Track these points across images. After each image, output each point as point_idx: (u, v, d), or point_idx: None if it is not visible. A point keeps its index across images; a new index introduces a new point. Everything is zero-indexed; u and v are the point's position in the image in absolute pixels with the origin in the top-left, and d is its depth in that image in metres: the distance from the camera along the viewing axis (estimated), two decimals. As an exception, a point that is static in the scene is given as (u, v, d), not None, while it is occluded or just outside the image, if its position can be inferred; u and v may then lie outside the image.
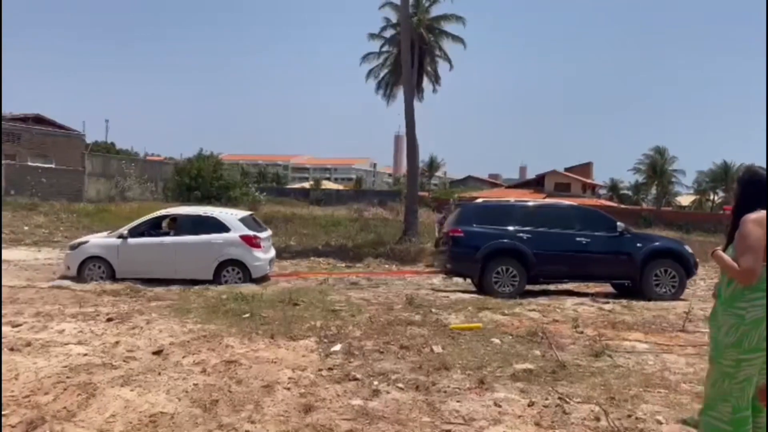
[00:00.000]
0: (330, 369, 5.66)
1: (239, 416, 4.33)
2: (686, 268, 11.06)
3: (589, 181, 58.45)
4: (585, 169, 60.41)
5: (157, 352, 6.11)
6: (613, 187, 73.67)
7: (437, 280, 13.35)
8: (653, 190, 67.08)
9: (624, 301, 10.07)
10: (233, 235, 11.86)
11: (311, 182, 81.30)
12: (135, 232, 12.08)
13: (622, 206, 51.75)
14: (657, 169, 60.38)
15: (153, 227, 12.48)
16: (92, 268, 11.76)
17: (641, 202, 69.40)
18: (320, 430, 4.03)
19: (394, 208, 37.99)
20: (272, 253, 13.07)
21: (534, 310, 8.90)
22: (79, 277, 11.65)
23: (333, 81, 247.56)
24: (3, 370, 4.95)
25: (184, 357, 5.95)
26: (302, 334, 7.05)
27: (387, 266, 16.28)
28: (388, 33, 33.26)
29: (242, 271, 11.81)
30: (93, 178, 37.21)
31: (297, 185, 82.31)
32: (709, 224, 39.19)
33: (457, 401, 4.63)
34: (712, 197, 64.50)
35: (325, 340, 6.76)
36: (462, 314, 8.40)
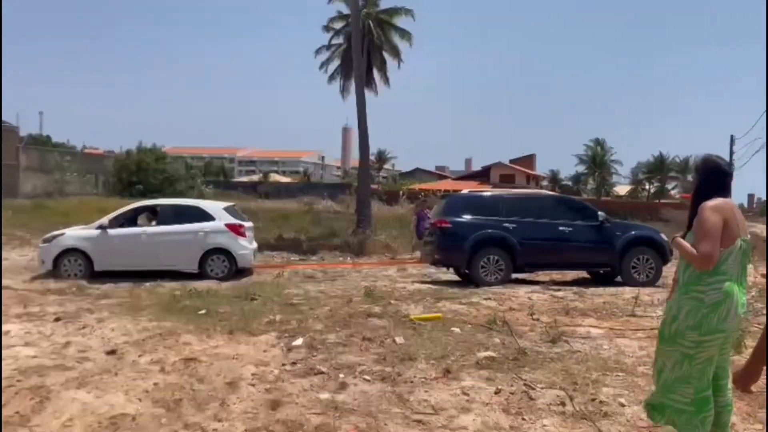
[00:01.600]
0: (294, 363, 5.59)
1: (205, 415, 4.22)
2: (662, 254, 11.45)
3: (532, 172, 59.79)
4: (528, 160, 61.77)
5: (111, 352, 5.91)
6: (554, 178, 75.67)
7: (392, 271, 13.40)
8: (591, 181, 69.29)
9: (575, 289, 10.38)
10: (218, 224, 11.68)
11: (259, 175, 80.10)
12: (115, 223, 11.71)
13: (563, 197, 53.20)
14: (597, 160, 62.32)
15: (133, 218, 12.16)
16: (69, 261, 11.29)
17: (581, 192, 71.59)
18: (291, 425, 3.97)
19: (345, 200, 37.82)
20: (254, 243, 12.94)
21: (489, 299, 9.06)
22: (56, 271, 11.19)
23: (279, 73, 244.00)
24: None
25: (140, 356, 5.77)
26: (261, 329, 6.95)
27: (342, 259, 16.25)
28: (338, 25, 33.03)
29: (228, 260, 11.63)
30: (28, 173, 35.54)
31: (244, 178, 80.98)
32: (645, 213, 40.72)
33: (425, 391, 4.66)
34: (647, 187, 67.07)
35: (286, 335, 6.68)
36: (421, 305, 8.46)
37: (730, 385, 3.20)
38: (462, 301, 8.80)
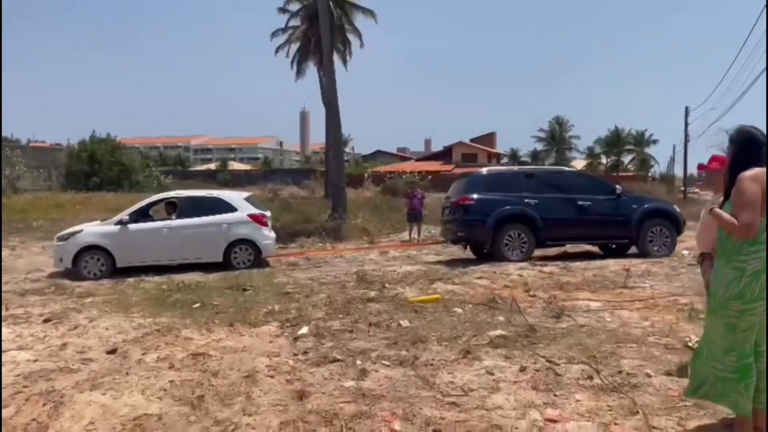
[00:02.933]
0: (305, 353, 5.52)
1: (232, 410, 4.12)
2: (676, 226, 11.78)
3: (493, 150, 60.43)
4: (489, 139, 62.39)
5: (112, 351, 5.73)
6: (513, 156, 76.64)
7: (374, 255, 13.37)
8: (550, 157, 70.46)
9: (560, 264, 10.54)
10: (242, 215, 11.67)
11: (217, 163, 78.61)
12: (134, 218, 11.50)
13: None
14: (556, 137, 63.34)
15: (148, 212, 11.99)
16: (90, 259, 11.05)
17: (540, 169, 72.62)
18: (325, 415, 3.90)
19: (310, 186, 37.61)
20: (272, 232, 12.88)
21: (482, 277, 9.12)
22: (75, 269, 10.95)
23: (231, 58, 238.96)
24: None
25: (144, 354, 5.61)
26: (261, 319, 6.84)
27: (321, 245, 16.11)
28: (295, 6, 32.50)
29: (253, 250, 11.61)
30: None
31: (201, 167, 79.36)
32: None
33: (449, 373, 4.65)
34: (604, 161, 68.50)
35: (288, 324, 6.60)
36: (416, 287, 8.46)
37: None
38: (455, 281, 8.84)
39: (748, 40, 33.20)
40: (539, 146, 69.34)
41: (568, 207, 11.54)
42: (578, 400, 3.94)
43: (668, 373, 4.37)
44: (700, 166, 4.51)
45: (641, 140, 66.62)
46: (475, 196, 11.47)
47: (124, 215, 11.50)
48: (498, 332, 5.77)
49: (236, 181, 54.37)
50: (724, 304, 3.20)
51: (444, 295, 7.79)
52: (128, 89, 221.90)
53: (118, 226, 11.29)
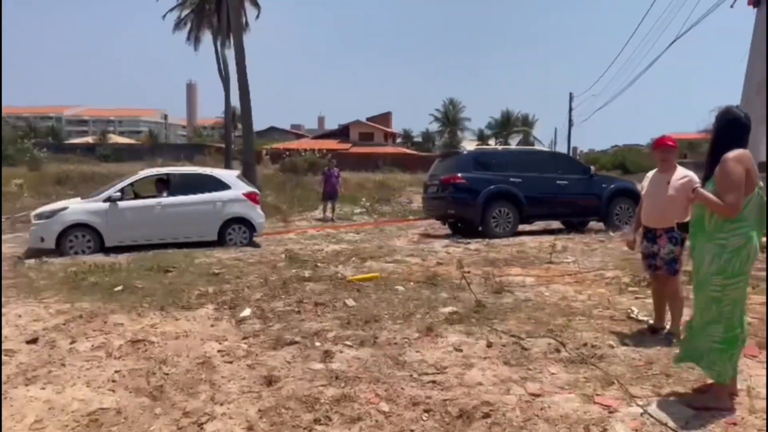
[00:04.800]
0: (255, 335, 5.27)
1: (200, 399, 3.84)
2: (637, 203, 12.33)
3: (389, 130, 60.91)
4: (385, 118, 62.75)
5: (33, 341, 5.15)
6: (407, 136, 77.86)
7: (293, 234, 13.05)
8: (439, 138, 72.38)
9: (483, 241, 10.82)
10: (236, 193, 11.38)
11: (97, 136, 73.29)
12: (123, 195, 10.89)
13: (423, 154, 54.90)
14: (450, 118, 65.02)
15: (138, 189, 11.53)
16: (76, 237, 10.37)
17: (431, 149, 74.44)
18: (306, 400, 3.73)
19: (205, 162, 35.98)
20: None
21: (412, 255, 9.17)
22: (59, 249, 10.24)
23: (109, 23, 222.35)
24: None
25: (73, 343, 5.10)
26: (195, 302, 6.45)
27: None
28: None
29: (248, 229, 11.34)
30: None
31: (78, 140, 73.66)
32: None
33: (416, 351, 4.61)
34: (493, 143, 71.30)
35: (225, 307, 6.27)
36: (350, 266, 8.34)
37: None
38: (387, 259, 8.82)
39: (635, 33, 35.56)
40: (433, 126, 70.93)
41: (548, 185, 12.19)
42: (553, 374, 4.04)
43: (625, 344, 4.60)
44: (657, 144, 4.73)
45: (527, 122, 70.02)
46: (465, 174, 11.82)
47: (112, 191, 10.81)
48: (449, 309, 5.81)
49: (118, 155, 50.79)
50: (707, 279, 3.38)
51: (381, 273, 7.74)
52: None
53: (107, 203, 10.64)
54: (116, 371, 4.35)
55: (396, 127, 69.14)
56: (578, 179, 12.50)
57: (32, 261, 9.13)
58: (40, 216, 10.66)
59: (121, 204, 10.74)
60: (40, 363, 4.53)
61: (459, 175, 11.91)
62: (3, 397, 3.87)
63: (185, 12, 34.17)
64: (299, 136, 68.16)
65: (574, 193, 12.39)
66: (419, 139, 78.07)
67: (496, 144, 70.50)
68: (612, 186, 12.74)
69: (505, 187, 11.87)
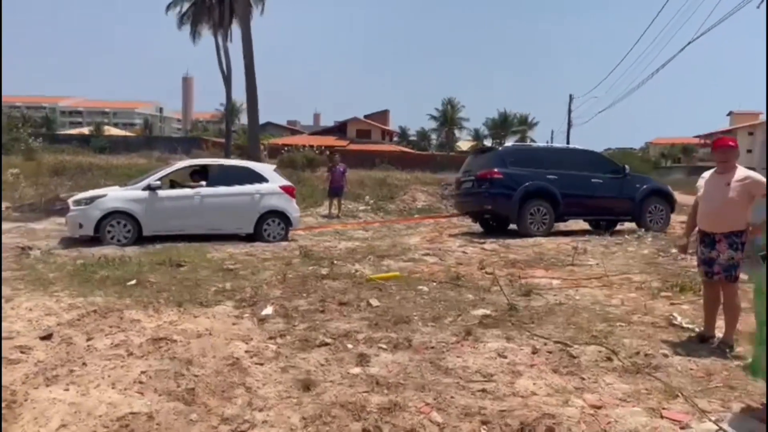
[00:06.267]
0: (282, 335, 5.03)
1: (236, 405, 3.59)
2: (671, 204, 12.56)
3: (387, 128, 60.72)
4: (382, 116, 62.56)
5: (47, 337, 4.88)
6: (403, 134, 77.68)
7: (300, 231, 12.78)
8: (434, 137, 72.23)
9: (496, 240, 10.61)
10: (273, 186, 11.28)
11: (89, 127, 72.51)
12: (163, 184, 10.86)
13: (421, 153, 54.75)
14: (448, 117, 64.89)
15: (177, 179, 11.46)
16: (114, 225, 10.20)
17: (428, 148, 74.29)
18: (351, 408, 3.48)
19: (203, 156, 35.62)
20: None
21: (429, 254, 8.95)
22: (98, 236, 10.09)
23: (106, 15, 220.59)
24: None
25: (90, 340, 4.83)
26: (212, 299, 6.22)
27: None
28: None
29: (284, 222, 11.18)
30: None
31: (73, 131, 72.90)
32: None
33: (457, 357, 4.38)
34: (492, 143, 71.22)
35: (244, 304, 6.03)
36: (366, 264, 8.10)
37: None
38: (403, 258, 8.60)
39: (641, 40, 35.57)
40: (430, 125, 70.82)
41: (583, 184, 11.97)
42: (609, 384, 3.82)
43: (677, 353, 4.38)
44: (716, 144, 4.52)
45: (525, 123, 69.94)
46: (502, 170, 11.59)
47: (152, 180, 10.71)
48: (481, 311, 5.58)
49: (113, 147, 50.21)
50: None
51: (400, 272, 7.50)
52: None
53: (146, 192, 10.50)
54: (142, 372, 4.09)
55: (393, 125, 68.98)
56: (612, 178, 12.31)
57: (38, 252, 8.83)
58: (78, 202, 10.51)
59: (161, 193, 10.60)
60: (59, 361, 4.26)
61: (496, 170, 11.66)
62: (24, 398, 3.61)
63: (185, 6, 33.75)
64: (295, 132, 67.84)
65: (608, 192, 12.19)
66: (414, 138, 77.87)
67: (493, 144, 70.49)
68: (646, 186, 12.56)
69: (542, 184, 11.62)
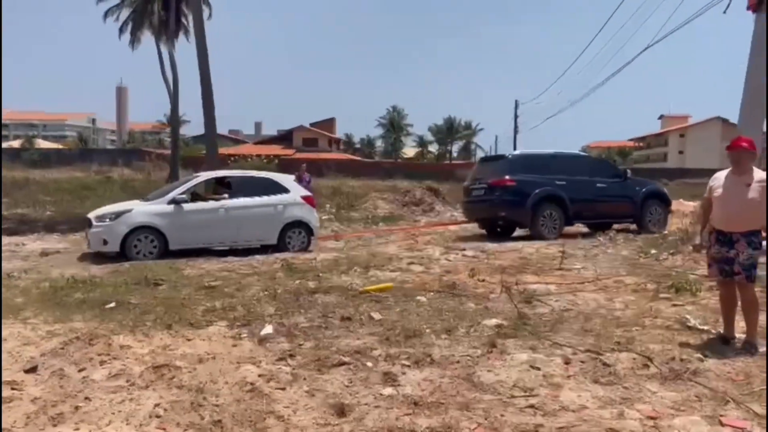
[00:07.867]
0: (291, 356, 4.73)
1: (272, 436, 3.30)
2: (667, 206, 12.97)
3: (333, 135, 60.42)
4: (329, 124, 62.23)
5: (32, 370, 4.43)
6: (349, 142, 77.62)
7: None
8: (380, 144, 72.60)
9: (477, 247, 10.54)
10: (295, 196, 11.22)
11: (22, 140, 69.13)
12: (186, 197, 10.55)
13: (367, 160, 54.71)
14: (394, 124, 65.20)
15: (197, 191, 11.25)
16: (141, 240, 9.95)
17: (373, 155, 74.46)
18: (402, 434, 3.26)
19: (144, 168, 34.44)
20: None
21: (413, 263, 8.77)
22: (123, 252, 9.81)
23: (30, 21, 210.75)
24: None
25: (82, 371, 4.41)
26: (204, 319, 5.85)
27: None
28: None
29: (306, 233, 11.05)
30: None
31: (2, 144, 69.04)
32: (440, 174, 43.59)
33: (488, 371, 4.20)
34: (437, 149, 72.07)
35: (238, 324, 5.69)
36: (354, 275, 7.85)
37: None
38: (389, 268, 8.39)
39: (588, 48, 36.64)
40: (377, 132, 71.00)
41: (590, 188, 12.28)
42: (654, 392, 3.73)
43: (706, 356, 4.34)
44: (732, 146, 4.53)
45: (469, 128, 71.07)
46: (515, 177, 11.70)
47: (176, 193, 10.48)
48: (493, 321, 5.44)
49: (45, 161, 47.78)
50: None
51: (390, 283, 7.29)
52: None
53: (171, 206, 10.28)
54: (156, 404, 3.73)
55: (340, 132, 68.72)
56: (614, 182, 12.72)
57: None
58: (101, 218, 10.21)
59: (186, 207, 10.38)
60: (57, 397, 3.84)
61: (508, 177, 11.83)
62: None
63: (125, 12, 32.58)
64: (238, 141, 66.55)
65: (612, 195, 12.59)
66: (358, 146, 77.92)
67: (440, 150, 71.33)
68: (644, 189, 13.00)
69: (552, 190, 11.94)
